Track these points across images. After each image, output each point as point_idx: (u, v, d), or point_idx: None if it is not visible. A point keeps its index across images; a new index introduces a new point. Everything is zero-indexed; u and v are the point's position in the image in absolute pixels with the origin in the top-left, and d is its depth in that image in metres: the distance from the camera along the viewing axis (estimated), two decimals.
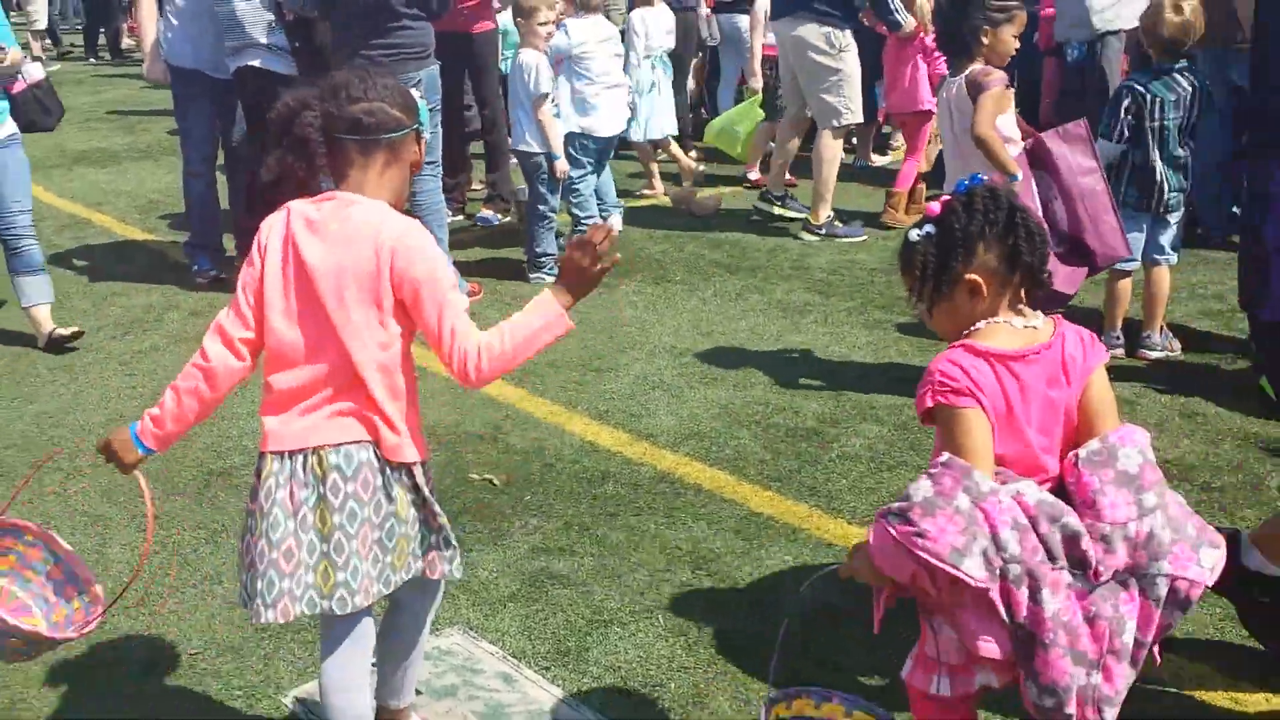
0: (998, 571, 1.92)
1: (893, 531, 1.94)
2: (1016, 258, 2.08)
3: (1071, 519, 1.97)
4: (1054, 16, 7.45)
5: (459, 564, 2.43)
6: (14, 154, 5.18)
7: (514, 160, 6.79)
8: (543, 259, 6.16)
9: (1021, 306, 2.13)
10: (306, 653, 3.01)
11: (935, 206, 2.11)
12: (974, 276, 2.08)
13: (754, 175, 8.21)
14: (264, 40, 5.63)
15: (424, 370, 4.94)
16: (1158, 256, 4.76)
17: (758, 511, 3.69)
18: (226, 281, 6.10)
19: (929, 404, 2.06)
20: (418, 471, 2.36)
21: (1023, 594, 1.93)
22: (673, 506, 3.74)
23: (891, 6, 6.91)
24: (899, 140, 9.41)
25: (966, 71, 4.36)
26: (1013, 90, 4.37)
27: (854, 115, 6.83)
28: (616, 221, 6.86)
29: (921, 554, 1.91)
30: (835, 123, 6.75)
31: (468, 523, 3.64)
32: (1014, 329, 2.09)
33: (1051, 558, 1.95)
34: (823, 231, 6.79)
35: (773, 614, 3.13)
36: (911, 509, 1.93)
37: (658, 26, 7.73)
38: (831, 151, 6.79)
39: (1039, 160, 4.17)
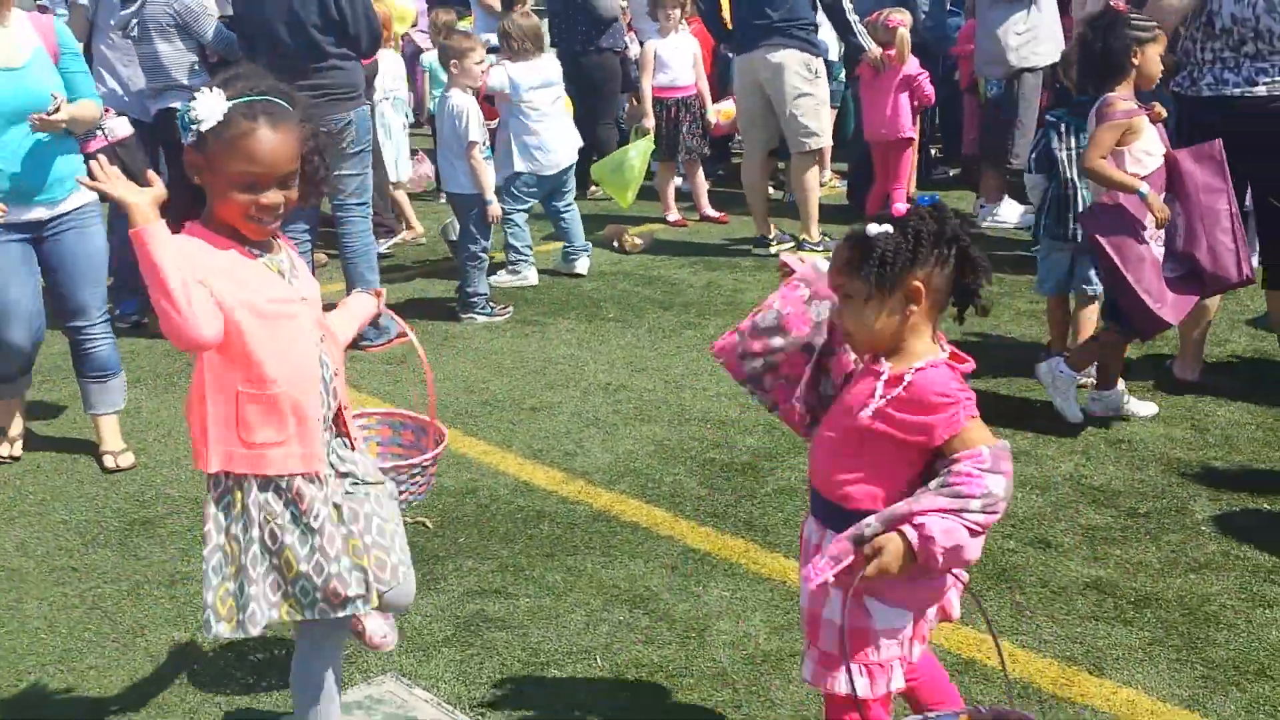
0: None
1: (971, 527, 2.04)
2: (960, 280, 2.16)
3: None
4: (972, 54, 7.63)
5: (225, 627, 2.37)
6: (85, 234, 4.20)
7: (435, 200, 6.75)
8: (475, 299, 6.12)
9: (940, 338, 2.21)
10: (231, 705, 2.92)
11: (901, 208, 2.15)
12: (918, 283, 2.12)
13: (673, 217, 8.22)
14: (186, 82, 5.56)
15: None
16: (1085, 287, 4.86)
17: (695, 547, 3.67)
18: (147, 326, 5.97)
19: (965, 423, 2.10)
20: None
21: None
22: (609, 545, 3.71)
23: (854, 29, 7.08)
24: (826, 175, 9.52)
25: (1100, 100, 4.34)
26: (1150, 111, 4.32)
27: (824, 139, 7.19)
28: (583, 264, 6.83)
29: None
30: (809, 145, 7.04)
31: None
32: (936, 350, 2.19)
33: None
34: (820, 247, 6.99)
35: (712, 650, 3.10)
36: (999, 504, 2.06)
37: (388, 70, 7.62)
38: (810, 175, 7.12)
39: (1169, 179, 4.28)
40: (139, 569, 3.64)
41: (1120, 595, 3.32)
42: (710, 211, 8.31)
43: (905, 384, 2.11)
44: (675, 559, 3.60)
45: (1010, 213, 7.63)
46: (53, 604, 3.43)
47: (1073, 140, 4.68)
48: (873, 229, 2.12)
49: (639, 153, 7.70)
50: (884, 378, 2.13)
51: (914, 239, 2.10)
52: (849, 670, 2.11)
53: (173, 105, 5.58)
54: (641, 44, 9.07)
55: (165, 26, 5.52)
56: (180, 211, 2.33)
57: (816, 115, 7.02)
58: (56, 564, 3.67)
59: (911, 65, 7.21)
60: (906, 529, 2.05)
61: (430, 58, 7.71)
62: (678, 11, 8.08)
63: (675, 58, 8.04)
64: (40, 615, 3.37)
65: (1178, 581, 3.39)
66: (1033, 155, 4.80)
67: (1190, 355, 4.88)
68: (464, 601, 3.38)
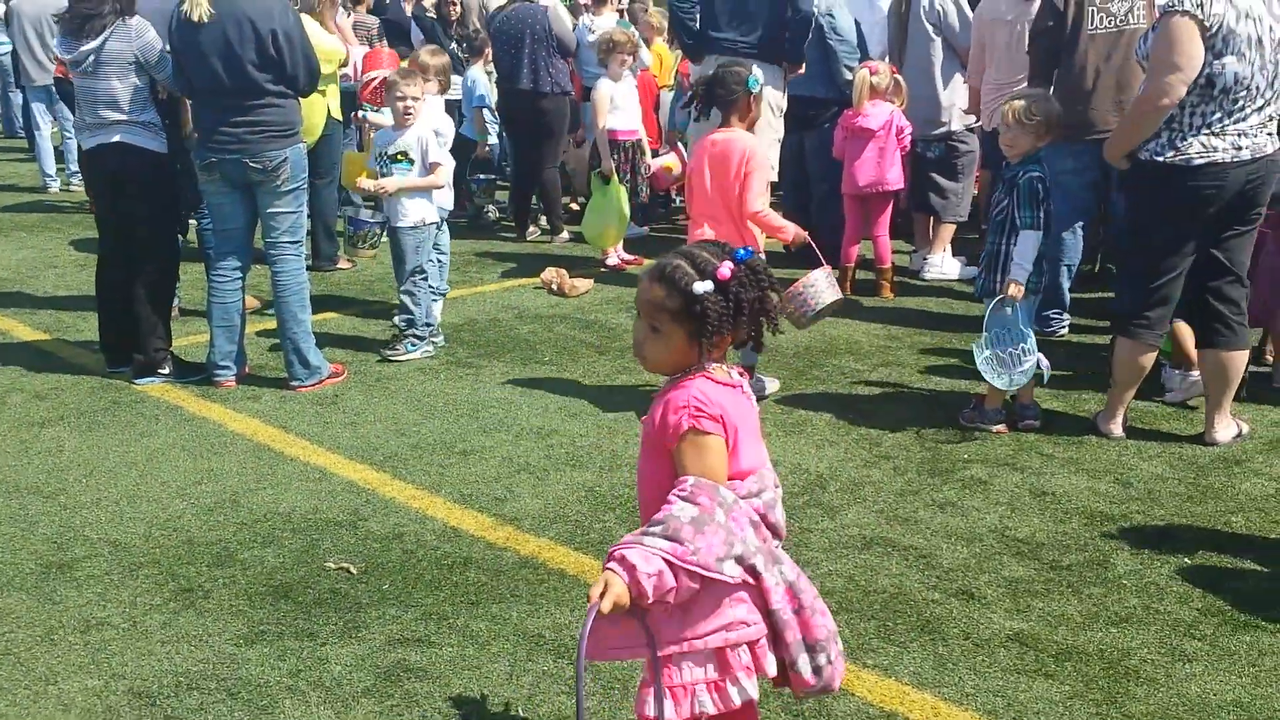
0: (747, 566, 2.23)
1: (664, 555, 2.13)
2: (758, 328, 2.33)
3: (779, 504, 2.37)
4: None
5: None
6: None
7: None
8: (425, 328, 6.12)
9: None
10: None
11: (726, 271, 2.25)
12: (727, 337, 2.30)
13: (612, 261, 8.22)
14: (138, 118, 5.51)
15: (281, 455, 4.83)
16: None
17: None
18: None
19: (684, 426, 2.22)
20: None
21: (769, 577, 2.26)
22: (536, 593, 3.67)
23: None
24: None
25: None
26: None
27: (774, 173, 6.99)
28: (437, 310, 6.63)
29: (694, 568, 2.15)
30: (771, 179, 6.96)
31: (321, 614, 3.52)
32: (726, 371, 2.34)
33: (776, 536, 2.35)
34: None
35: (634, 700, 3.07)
36: (681, 529, 2.15)
37: None
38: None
39: None
40: (54, 614, 3.54)
41: (1042, 648, 3.35)
42: (625, 255, 8.31)
43: (671, 394, 2.27)
44: None
45: (952, 267, 7.76)
46: None
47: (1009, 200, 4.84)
48: (699, 287, 2.24)
49: (620, 197, 7.75)
50: (668, 391, 2.30)
51: (735, 304, 2.26)
52: (658, 694, 2.23)
53: (116, 139, 5.50)
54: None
55: (125, 64, 5.46)
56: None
57: (774, 149, 7.03)
58: None
59: (900, 116, 7.29)
60: (612, 564, 2.15)
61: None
62: (630, 58, 8.19)
63: (627, 101, 8.12)
64: None
65: (1099, 635, 3.43)
66: (1034, 214, 4.84)
67: (1117, 411, 4.96)
68: (386, 651, 3.33)
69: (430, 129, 6.07)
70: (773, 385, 5.59)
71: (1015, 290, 4.79)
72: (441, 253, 6.41)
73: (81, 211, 9.91)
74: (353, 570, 3.79)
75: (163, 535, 4.07)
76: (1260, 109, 4.50)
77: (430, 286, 6.20)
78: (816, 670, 2.30)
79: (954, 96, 7.50)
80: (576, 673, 2.12)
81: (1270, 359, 5.72)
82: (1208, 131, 4.50)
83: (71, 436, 5.01)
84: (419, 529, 4.11)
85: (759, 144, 5.21)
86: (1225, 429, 4.85)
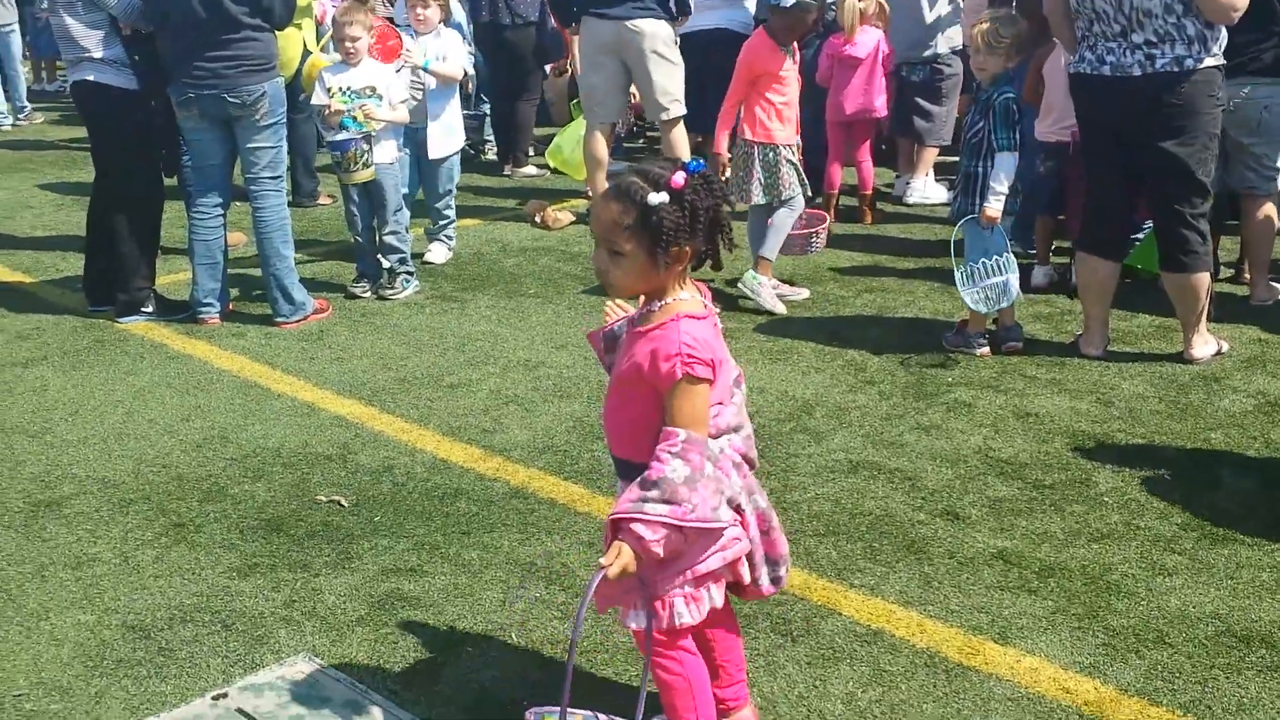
0: (734, 506, 2.36)
1: (668, 518, 2.19)
2: (713, 240, 2.34)
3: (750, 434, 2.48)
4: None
5: None
6: None
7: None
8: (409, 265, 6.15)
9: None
10: (139, 688, 2.88)
11: (679, 180, 2.25)
12: (687, 249, 2.30)
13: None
14: (99, 55, 5.42)
15: (268, 391, 4.84)
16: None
17: None
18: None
19: (679, 375, 2.24)
20: None
21: (749, 509, 2.41)
22: (526, 522, 3.71)
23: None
24: None
25: None
26: None
27: (683, 108, 6.91)
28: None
29: (695, 524, 2.22)
30: (674, 111, 6.86)
31: (313, 546, 3.55)
32: (697, 299, 2.37)
33: (751, 467, 2.46)
34: None
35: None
36: (678, 491, 2.20)
37: None
38: (684, 138, 6.94)
39: None
40: (44, 551, 3.56)
41: (1025, 565, 3.40)
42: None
43: (657, 339, 2.28)
44: (592, 535, 3.61)
45: (935, 192, 7.74)
46: None
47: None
48: (654, 198, 2.24)
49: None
50: (649, 333, 2.31)
51: (690, 213, 2.26)
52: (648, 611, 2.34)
53: (88, 78, 5.44)
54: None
55: (75, 0, 5.37)
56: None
57: (679, 83, 6.86)
58: None
59: (885, 42, 7.23)
60: (625, 539, 2.20)
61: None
62: None
63: None
64: None
65: (1081, 551, 3.48)
66: (1013, 137, 4.84)
67: (1096, 331, 4.99)
68: (378, 581, 3.37)
69: (390, 71, 6.02)
70: (801, 294, 5.93)
71: (993, 214, 4.79)
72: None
73: (56, 150, 9.81)
74: (344, 503, 3.82)
75: (152, 472, 4.09)
76: (1122, 33, 4.53)
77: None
78: (774, 580, 2.52)
79: (939, 19, 7.44)
80: (572, 637, 2.19)
81: (1247, 279, 5.75)
82: (1085, 45, 4.71)
83: (56, 376, 5.00)
84: (409, 461, 4.13)
85: (746, 48, 5.77)
86: (1203, 347, 4.89)
